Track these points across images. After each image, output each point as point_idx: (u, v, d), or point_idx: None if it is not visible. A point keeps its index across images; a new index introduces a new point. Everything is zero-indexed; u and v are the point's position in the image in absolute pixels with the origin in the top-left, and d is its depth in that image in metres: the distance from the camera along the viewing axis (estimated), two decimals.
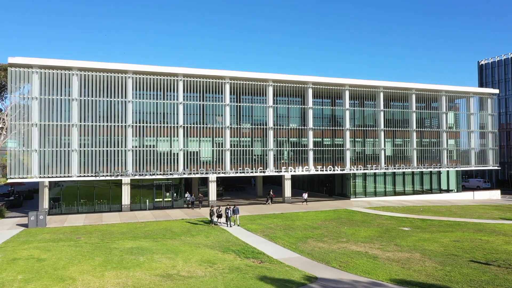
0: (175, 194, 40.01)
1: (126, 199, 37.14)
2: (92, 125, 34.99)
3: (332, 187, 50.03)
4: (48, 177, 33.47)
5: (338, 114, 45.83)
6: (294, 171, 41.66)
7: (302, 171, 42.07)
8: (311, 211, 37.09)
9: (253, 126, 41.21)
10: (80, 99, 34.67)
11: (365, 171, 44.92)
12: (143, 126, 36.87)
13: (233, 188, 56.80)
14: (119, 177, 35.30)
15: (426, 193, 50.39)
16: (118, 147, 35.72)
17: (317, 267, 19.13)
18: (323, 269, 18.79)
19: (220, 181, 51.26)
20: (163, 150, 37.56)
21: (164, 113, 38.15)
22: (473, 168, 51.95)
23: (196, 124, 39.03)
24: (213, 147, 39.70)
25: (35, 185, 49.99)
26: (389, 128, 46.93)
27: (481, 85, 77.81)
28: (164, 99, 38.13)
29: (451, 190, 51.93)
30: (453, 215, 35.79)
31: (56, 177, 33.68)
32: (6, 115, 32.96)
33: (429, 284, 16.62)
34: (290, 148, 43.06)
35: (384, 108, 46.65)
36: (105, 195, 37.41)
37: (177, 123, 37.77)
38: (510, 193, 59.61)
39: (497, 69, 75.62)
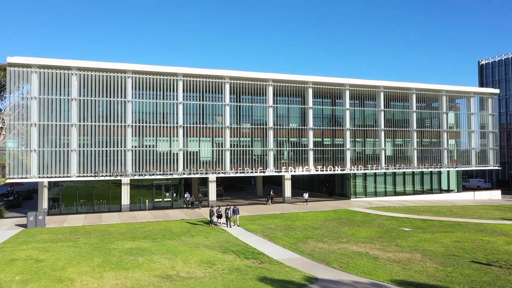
0: (174, 194, 39.89)
1: (125, 199, 37.02)
2: (91, 125, 34.87)
3: (332, 187, 49.91)
4: (47, 177, 33.35)
5: (338, 114, 45.71)
6: (294, 171, 41.54)
7: (302, 171, 41.95)
8: (311, 211, 36.97)
9: (253, 126, 41.09)
10: (80, 99, 34.55)
11: (366, 171, 44.81)
12: (142, 126, 36.76)
13: (233, 188, 56.68)
14: (118, 177, 35.18)
15: (427, 193, 50.27)
16: (117, 147, 35.60)
17: (318, 268, 19.01)
18: (323, 270, 18.67)
19: (220, 181, 51.15)
20: (163, 150, 37.44)
21: (163, 113, 38.03)
22: (473, 168, 51.83)
23: (196, 124, 38.91)
24: (213, 147, 39.58)
25: (34, 185, 49.84)
26: (390, 128, 46.81)
27: (481, 85, 77.71)
28: (163, 99, 38.01)
29: (452, 190, 51.82)
30: (453, 215, 35.67)
31: (55, 177, 33.56)
32: (6, 115, 32.82)
33: (430, 285, 16.50)
34: (290, 148, 42.94)
35: (384, 108, 46.53)
36: (105, 195, 37.29)
37: (177, 123, 37.65)
38: (511, 193, 59.49)
39: (497, 69, 75.52)
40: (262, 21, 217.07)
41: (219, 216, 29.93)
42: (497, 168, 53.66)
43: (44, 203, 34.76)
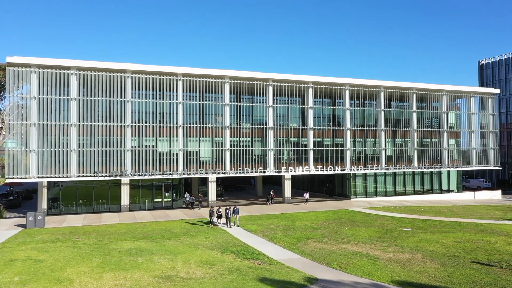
0: (174, 194, 39.80)
1: (125, 199, 36.93)
2: (91, 125, 34.78)
3: (332, 187, 49.83)
4: (47, 177, 33.26)
5: (339, 114, 45.63)
6: (294, 171, 41.45)
7: (302, 171, 41.87)
8: (311, 212, 36.88)
9: (253, 126, 41.01)
10: (79, 99, 34.47)
11: (366, 171, 44.72)
12: (142, 126, 36.67)
13: (233, 188, 56.59)
14: (118, 177, 35.09)
15: (427, 193, 50.18)
16: (117, 147, 35.52)
17: (318, 268, 18.93)
18: (323, 270, 18.59)
19: (220, 181, 51.06)
20: (163, 150, 37.35)
21: (163, 113, 37.95)
22: (474, 168, 51.75)
23: (196, 124, 38.82)
24: (212, 147, 39.50)
25: (34, 185, 49.77)
26: (390, 128, 46.72)
27: (481, 85, 77.64)
28: (163, 98, 37.92)
29: (452, 190, 51.73)
30: (454, 215, 35.58)
31: (55, 177, 33.47)
32: (5, 115, 32.72)
33: (431, 286, 16.42)
34: (290, 148, 42.85)
35: (384, 108, 46.44)
36: (104, 195, 37.20)
37: (177, 123, 37.56)
38: (511, 193, 59.39)
39: (497, 69, 75.44)
40: (262, 21, 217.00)
41: (219, 216, 29.84)
42: (497, 168, 53.58)
43: (44, 203, 34.67)
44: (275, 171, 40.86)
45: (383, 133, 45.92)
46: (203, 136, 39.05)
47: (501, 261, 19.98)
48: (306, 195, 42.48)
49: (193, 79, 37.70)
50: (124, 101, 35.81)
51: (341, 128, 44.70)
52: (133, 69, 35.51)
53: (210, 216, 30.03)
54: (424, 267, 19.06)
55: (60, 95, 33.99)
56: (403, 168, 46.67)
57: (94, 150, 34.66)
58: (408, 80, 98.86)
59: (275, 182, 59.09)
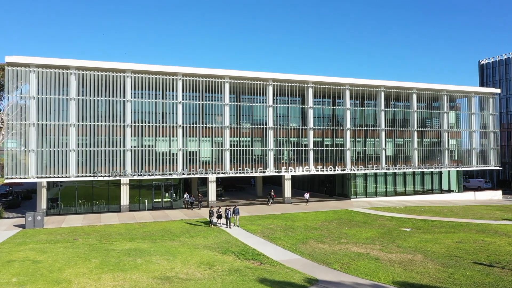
0: (174, 194, 39.67)
1: (124, 199, 36.79)
2: (90, 124, 34.66)
3: (332, 187, 49.70)
4: (46, 177, 33.14)
5: (339, 113, 45.51)
6: (294, 171, 41.33)
7: (302, 171, 41.74)
8: (312, 212, 36.76)
9: (253, 126, 40.88)
10: (78, 99, 34.34)
11: (366, 171, 44.59)
12: (141, 126, 36.54)
13: (233, 188, 56.47)
14: (117, 178, 34.97)
15: (427, 193, 50.05)
16: (116, 147, 35.39)
17: (318, 269, 18.81)
18: (324, 271, 18.47)
19: (220, 181, 50.94)
20: (162, 150, 37.22)
21: (163, 113, 37.82)
22: (474, 168, 51.63)
23: (196, 124, 38.69)
24: (212, 147, 39.37)
25: (33, 185, 49.63)
26: (390, 128, 46.60)
27: (481, 84, 77.52)
28: (163, 98, 37.81)
29: (452, 191, 51.60)
30: (454, 215, 35.46)
31: (54, 177, 33.34)
32: (5, 115, 32.59)
33: (432, 287, 16.30)
34: (290, 148, 42.72)
35: (385, 107, 46.31)
36: (104, 195, 37.07)
37: (176, 123, 37.44)
38: (511, 194, 59.29)
39: (498, 69, 75.31)
40: (262, 21, 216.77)
41: (219, 217, 29.73)
42: (498, 168, 53.45)
43: (43, 204, 34.54)
44: (275, 171, 40.74)
45: (383, 133, 45.80)
46: (203, 136, 38.92)
47: (502, 262, 19.85)
48: (307, 195, 42.34)
49: (193, 79, 37.58)
50: (124, 101, 35.69)
51: (341, 128, 44.58)
52: (133, 69, 35.39)
53: (210, 216, 29.91)
54: (425, 267, 18.94)
55: (59, 95, 33.87)
56: (404, 168, 46.55)
57: (94, 150, 34.53)
58: (408, 80, 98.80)
59: (275, 182, 58.96)
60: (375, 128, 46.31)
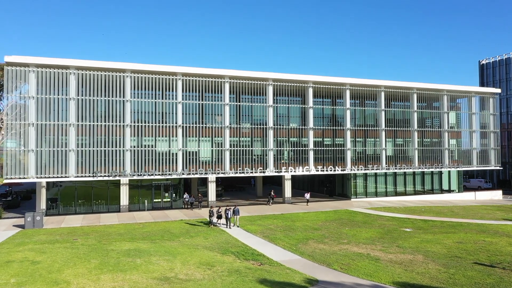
0: (174, 194, 39.58)
1: (124, 199, 36.70)
2: (89, 124, 34.57)
3: (332, 188, 49.61)
4: (45, 177, 33.05)
5: (339, 113, 45.42)
6: (294, 171, 41.24)
7: (303, 171, 41.65)
8: (312, 212, 36.67)
9: (253, 126, 40.79)
10: (78, 99, 34.26)
11: (366, 171, 44.50)
12: (141, 125, 36.45)
13: (233, 189, 56.38)
14: (117, 178, 34.88)
15: (427, 194, 49.96)
16: (116, 147, 35.30)
17: (318, 270, 18.73)
18: (324, 272, 18.38)
19: (220, 181, 50.85)
20: (162, 150, 37.14)
21: (162, 113, 37.74)
22: (474, 168, 51.54)
23: (195, 123, 38.60)
24: (212, 147, 39.28)
25: (33, 185, 49.51)
26: (390, 128, 46.51)
27: (482, 84, 77.42)
28: (162, 98, 37.73)
29: (453, 191, 51.51)
30: (455, 215, 35.37)
31: (53, 177, 33.25)
32: (5, 115, 32.50)
33: (433, 287, 16.21)
34: (290, 148, 42.63)
35: (385, 107, 46.22)
36: (103, 195, 36.98)
37: (176, 123, 37.35)
38: None
39: (498, 69, 75.21)
40: (262, 21, 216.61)
41: (219, 217, 29.64)
42: (498, 168, 53.36)
43: (42, 204, 34.45)
44: (275, 171, 40.65)
45: (383, 133, 45.71)
46: (202, 136, 38.83)
47: (503, 262, 19.77)
48: (307, 195, 42.22)
49: (192, 79, 37.50)
50: (123, 100, 35.60)
51: (342, 128, 44.50)
52: (132, 69, 35.30)
53: (210, 216, 29.82)
54: (425, 268, 18.86)
55: (58, 95, 33.78)
56: (404, 168, 46.46)
57: (93, 150, 34.44)
58: (409, 80, 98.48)
59: (275, 182, 58.87)
60: (375, 128, 46.22)
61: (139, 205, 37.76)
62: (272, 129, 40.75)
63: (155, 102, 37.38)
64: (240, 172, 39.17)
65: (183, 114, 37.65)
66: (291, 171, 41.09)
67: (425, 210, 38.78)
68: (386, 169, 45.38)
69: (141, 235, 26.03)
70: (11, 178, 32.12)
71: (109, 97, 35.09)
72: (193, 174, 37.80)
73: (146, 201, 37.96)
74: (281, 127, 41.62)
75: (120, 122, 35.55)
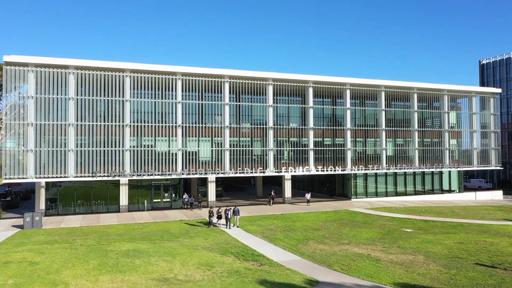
0: (173, 194, 39.45)
1: (124, 199, 36.57)
2: (89, 124, 34.45)
3: (332, 188, 49.48)
4: (44, 177, 32.92)
5: (339, 113, 45.30)
6: (294, 172, 41.11)
7: (303, 171, 41.53)
8: (312, 212, 36.54)
9: (253, 126, 40.67)
10: (77, 98, 34.13)
11: (366, 171, 44.37)
12: (141, 125, 36.32)
13: (233, 189, 56.25)
14: (116, 178, 34.76)
15: (428, 194, 49.83)
16: (115, 147, 35.17)
17: (319, 270, 18.60)
18: (324, 272, 18.26)
19: (220, 182, 50.71)
20: (162, 150, 37.01)
21: (162, 113, 37.62)
22: (475, 168, 51.40)
23: (195, 123, 38.48)
24: (212, 147, 39.15)
25: (32, 185, 49.37)
26: (391, 128, 46.38)
27: (482, 84, 77.28)
28: (162, 98, 37.61)
29: (453, 191, 51.38)
30: (455, 216, 35.25)
31: (53, 177, 33.13)
32: (4, 115, 32.38)
33: None
34: (290, 148, 42.50)
35: (385, 107, 46.10)
36: (103, 195, 36.85)
37: (176, 123, 37.22)
38: None
39: (498, 69, 75.07)
40: (262, 21, 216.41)
41: (219, 217, 29.52)
42: (498, 168, 53.22)
43: (41, 204, 34.33)
44: (275, 171, 40.53)
45: (384, 133, 45.58)
46: (202, 136, 38.71)
47: (505, 263, 19.64)
48: (308, 196, 42.06)
49: (192, 79, 37.37)
50: (123, 100, 35.47)
51: (342, 128, 44.37)
52: (132, 68, 35.18)
53: (210, 216, 29.70)
54: (426, 269, 18.73)
55: (57, 95, 33.64)
56: (404, 168, 46.34)
57: (92, 150, 34.32)
58: (409, 80, 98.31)
59: (275, 182, 58.74)
60: (375, 128, 46.09)
61: (138, 205, 37.63)
62: (272, 129, 40.63)
63: (155, 102, 37.25)
64: (240, 172, 39.05)
65: (182, 114, 37.53)
66: (291, 171, 40.96)
67: (425, 210, 38.66)
68: (387, 169, 45.25)
69: (141, 235, 25.90)
70: (10, 178, 31.99)
71: (108, 97, 34.96)
72: (192, 174, 37.67)
73: (145, 201, 37.83)
74: (281, 127, 41.49)
75: (119, 122, 35.41)
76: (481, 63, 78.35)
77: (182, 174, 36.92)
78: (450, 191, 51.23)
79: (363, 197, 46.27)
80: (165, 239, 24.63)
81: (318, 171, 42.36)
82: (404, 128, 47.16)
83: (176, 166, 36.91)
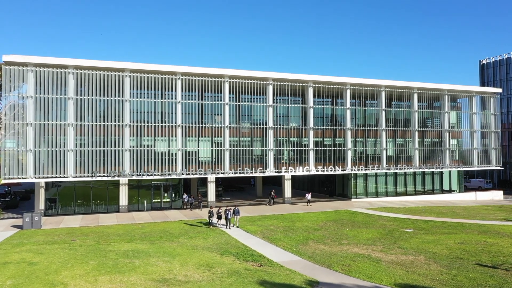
0: (173, 194, 39.37)
1: (123, 200, 36.48)
2: (88, 124, 34.36)
3: (333, 188, 49.40)
4: (44, 177, 32.84)
5: (339, 113, 45.22)
6: (295, 172, 41.03)
7: (303, 171, 41.44)
8: (312, 212, 36.46)
9: (253, 126, 40.58)
10: (76, 98, 34.05)
11: (367, 171, 44.29)
12: (140, 125, 36.24)
13: (233, 189, 56.17)
14: (116, 178, 34.67)
15: (428, 194, 49.75)
16: (115, 147, 35.09)
17: (319, 271, 18.52)
18: (324, 273, 18.17)
19: (220, 182, 50.63)
20: (161, 150, 36.92)
21: (162, 113, 37.53)
22: (475, 168, 51.32)
23: (195, 123, 38.39)
24: (212, 147, 39.07)
25: (32, 185, 49.32)
26: (391, 128, 46.29)
27: (482, 84, 77.18)
28: (162, 98, 37.52)
29: (453, 191, 51.30)
30: (456, 216, 35.17)
31: (52, 177, 33.04)
32: (4, 115, 32.29)
33: None
34: (290, 148, 42.42)
35: (385, 107, 46.01)
36: (102, 195, 36.76)
37: (175, 123, 37.14)
38: None
39: (498, 69, 74.98)
40: (262, 21, 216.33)
41: (219, 217, 29.43)
42: (499, 168, 53.13)
43: (41, 204, 34.25)
44: (275, 171, 40.44)
45: (384, 133, 45.50)
46: (202, 136, 38.62)
47: (506, 263, 19.56)
48: (308, 196, 41.94)
49: (192, 78, 37.28)
50: (122, 100, 35.39)
51: (342, 128, 44.29)
52: (131, 68, 35.10)
53: (210, 217, 29.61)
54: (427, 269, 18.65)
55: (57, 94, 33.56)
56: (404, 168, 46.26)
57: (92, 150, 34.23)
58: (409, 79, 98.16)
59: (275, 182, 58.63)
60: (375, 128, 46.01)
61: (138, 206, 37.54)
62: (272, 129, 40.55)
63: (154, 101, 37.17)
64: (240, 172, 38.97)
65: (182, 114, 37.44)
66: (291, 171, 40.88)
67: (426, 210, 38.58)
68: (387, 169, 45.17)
69: (140, 235, 25.82)
70: (10, 178, 31.91)
71: (108, 96, 34.88)
72: (192, 174, 37.59)
73: (145, 201, 37.75)
74: (281, 127, 41.41)
75: (119, 122, 35.33)
76: (481, 63, 78.27)
77: (182, 174, 36.84)
78: (450, 191, 51.15)
79: (363, 197, 46.19)
80: (164, 240, 24.54)
81: (318, 171, 42.28)
82: (404, 128, 47.08)
83: (175, 166, 36.82)
